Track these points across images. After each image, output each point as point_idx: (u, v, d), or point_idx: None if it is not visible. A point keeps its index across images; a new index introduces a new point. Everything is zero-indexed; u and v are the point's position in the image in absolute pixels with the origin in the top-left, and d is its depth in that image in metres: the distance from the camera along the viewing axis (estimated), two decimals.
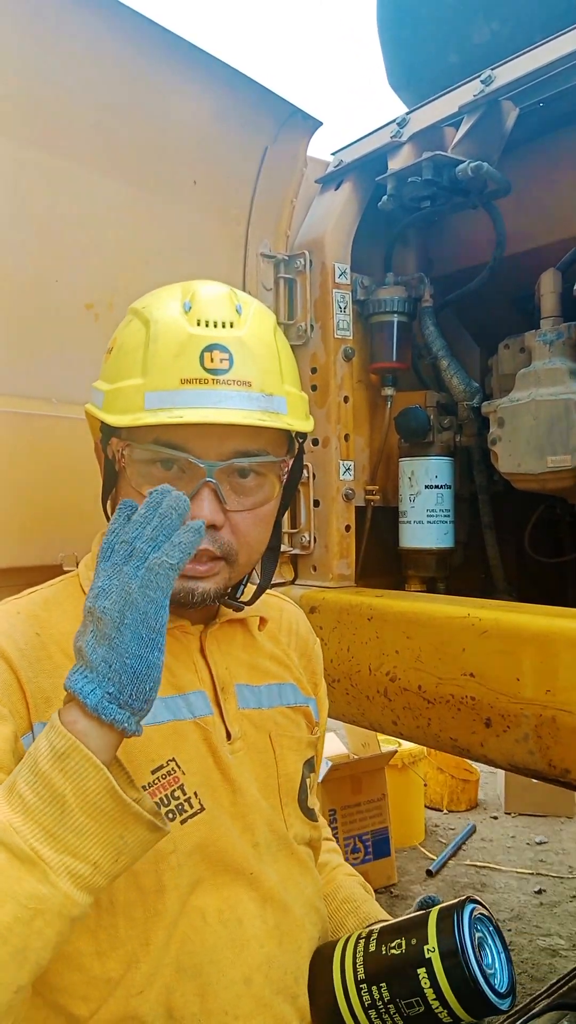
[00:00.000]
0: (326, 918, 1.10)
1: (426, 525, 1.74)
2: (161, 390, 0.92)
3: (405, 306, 1.81)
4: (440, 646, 1.41)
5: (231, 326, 0.95)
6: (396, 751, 3.90)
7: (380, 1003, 0.92)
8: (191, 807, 0.95)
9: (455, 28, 1.84)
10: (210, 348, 0.93)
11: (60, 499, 1.44)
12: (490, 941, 0.95)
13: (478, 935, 0.93)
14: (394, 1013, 0.92)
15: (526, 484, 1.57)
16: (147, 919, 0.89)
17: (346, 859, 1.21)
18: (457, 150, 1.55)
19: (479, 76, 1.55)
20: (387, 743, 4.00)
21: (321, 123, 1.77)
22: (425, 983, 0.90)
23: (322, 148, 1.90)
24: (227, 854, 0.96)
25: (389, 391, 1.84)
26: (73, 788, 0.74)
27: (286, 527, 1.80)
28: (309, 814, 1.12)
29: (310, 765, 1.14)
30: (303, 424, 1.01)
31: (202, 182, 1.66)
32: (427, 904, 1.03)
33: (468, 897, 0.96)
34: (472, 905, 0.95)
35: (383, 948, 0.95)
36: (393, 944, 0.95)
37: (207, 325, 0.94)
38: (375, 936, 0.97)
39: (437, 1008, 0.89)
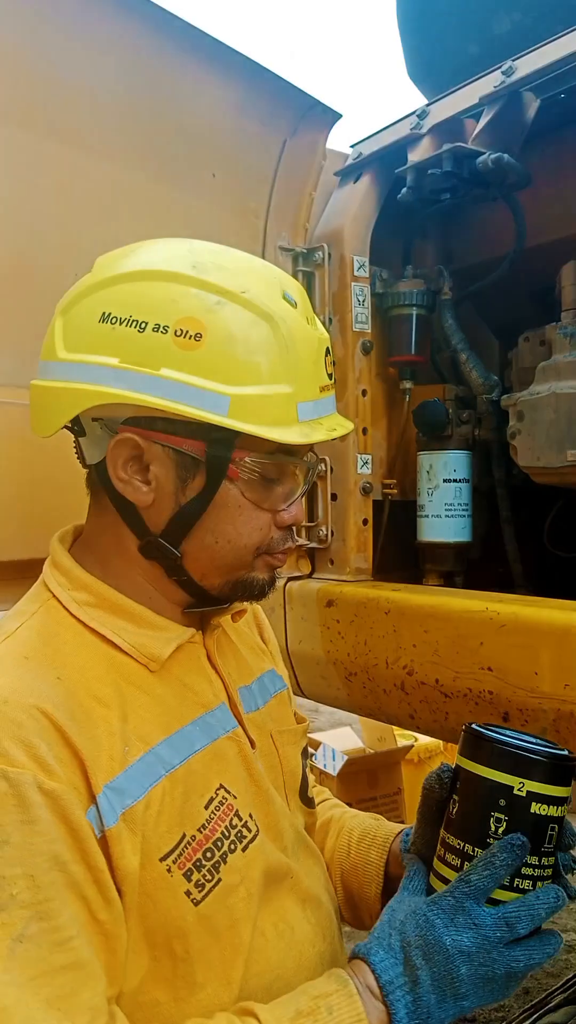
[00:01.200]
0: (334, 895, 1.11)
1: (444, 519, 1.73)
2: (310, 401, 0.87)
3: (424, 299, 1.80)
4: (458, 640, 1.41)
5: (316, 322, 0.93)
6: (412, 746, 3.89)
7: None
8: (249, 831, 0.92)
9: (476, 19, 1.83)
10: (328, 352, 0.91)
11: (77, 494, 1.44)
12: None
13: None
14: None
15: (546, 478, 1.56)
16: (224, 958, 0.87)
17: None
18: (477, 142, 1.54)
19: (500, 67, 1.54)
20: (403, 738, 3.99)
21: (341, 115, 1.76)
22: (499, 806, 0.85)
23: (341, 140, 1.89)
24: (274, 867, 0.95)
25: (407, 384, 1.84)
26: None
27: (303, 520, 1.80)
28: (309, 803, 1.13)
29: (305, 753, 1.14)
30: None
31: (221, 175, 1.66)
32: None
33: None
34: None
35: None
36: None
37: (312, 323, 0.91)
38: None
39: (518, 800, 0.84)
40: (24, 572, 1.38)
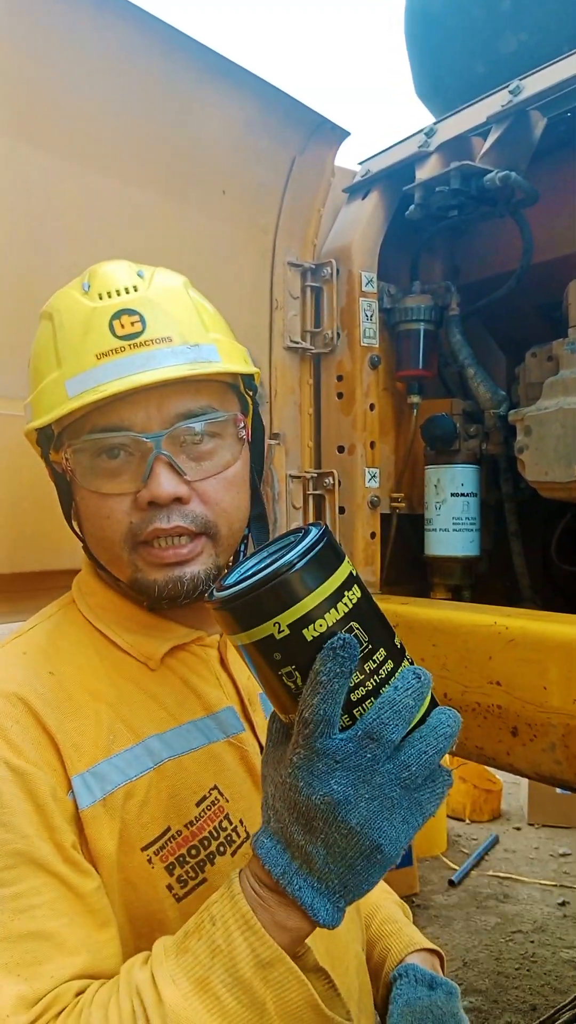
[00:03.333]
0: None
1: (452, 533, 1.74)
2: (79, 373, 0.86)
3: (432, 314, 1.82)
4: (466, 654, 1.41)
5: (135, 290, 0.89)
6: None
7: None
8: (238, 836, 0.91)
9: (482, 38, 1.85)
10: (117, 315, 0.87)
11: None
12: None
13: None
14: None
15: (553, 492, 1.57)
16: None
17: None
18: (485, 160, 1.56)
19: (507, 86, 1.56)
20: None
21: (349, 133, 1.78)
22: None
23: (349, 158, 1.91)
24: None
25: (415, 399, 1.85)
26: (275, 998, 0.68)
27: None
28: None
29: None
30: (242, 367, 0.94)
31: (231, 192, 1.68)
32: None
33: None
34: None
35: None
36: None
37: (109, 296, 0.88)
38: None
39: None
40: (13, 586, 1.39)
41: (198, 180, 1.63)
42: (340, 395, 1.80)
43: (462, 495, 1.74)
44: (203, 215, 1.65)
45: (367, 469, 1.79)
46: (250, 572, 0.69)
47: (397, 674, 0.67)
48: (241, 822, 0.92)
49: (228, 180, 1.67)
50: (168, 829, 0.86)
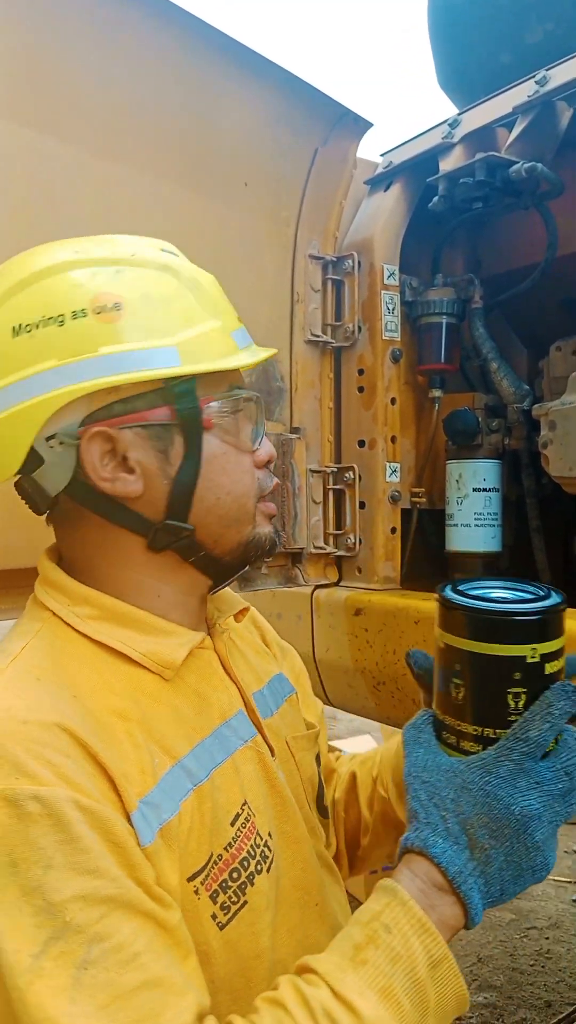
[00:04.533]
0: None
1: (473, 528, 1.73)
2: (236, 329, 0.89)
3: (454, 307, 1.80)
4: None
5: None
6: None
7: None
8: (269, 852, 0.87)
9: (507, 29, 1.83)
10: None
11: None
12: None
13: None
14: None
15: None
16: (249, 987, 0.80)
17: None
18: (510, 151, 1.54)
19: (534, 76, 1.54)
20: None
21: (372, 124, 1.77)
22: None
23: (370, 149, 1.90)
24: (299, 889, 0.91)
25: (437, 393, 1.84)
26: (437, 995, 0.69)
27: (330, 529, 1.80)
28: (324, 813, 1.07)
29: (318, 760, 1.08)
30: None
31: (253, 184, 1.67)
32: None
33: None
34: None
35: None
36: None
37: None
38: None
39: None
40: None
41: (220, 172, 1.62)
42: (361, 389, 1.79)
43: (484, 490, 1.73)
44: (225, 207, 1.64)
45: (388, 464, 1.77)
46: (498, 596, 0.78)
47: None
48: (270, 835, 0.89)
49: (250, 172, 1.66)
50: (211, 855, 0.81)
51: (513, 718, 0.74)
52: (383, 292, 1.77)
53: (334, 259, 1.82)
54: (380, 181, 1.85)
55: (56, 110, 1.36)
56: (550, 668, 0.74)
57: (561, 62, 1.51)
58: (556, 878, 3.72)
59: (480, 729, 0.75)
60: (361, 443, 1.78)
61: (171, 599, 0.90)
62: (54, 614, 0.85)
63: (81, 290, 0.81)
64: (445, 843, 0.72)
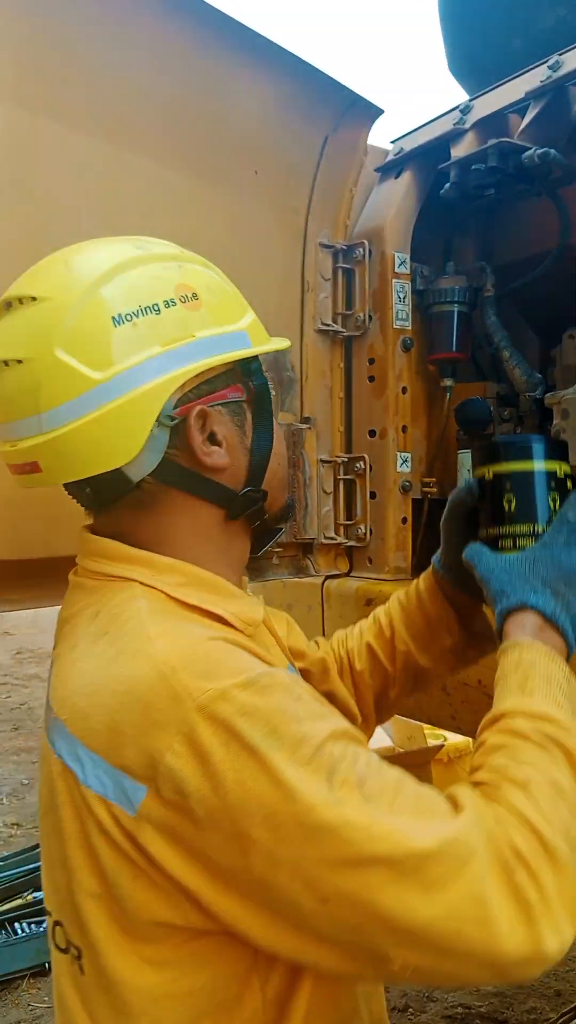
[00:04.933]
0: None
1: None
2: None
3: (466, 296, 1.79)
4: None
5: None
6: (443, 745, 3.87)
7: None
8: None
9: (519, 13, 1.81)
10: None
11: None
12: None
13: None
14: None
15: None
16: None
17: None
18: (523, 137, 1.52)
19: (546, 61, 1.52)
20: (433, 737, 3.97)
21: (382, 111, 1.75)
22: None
23: (380, 136, 1.88)
24: None
25: (448, 382, 1.82)
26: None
27: (341, 519, 1.80)
28: None
29: None
30: None
31: (263, 172, 1.66)
32: None
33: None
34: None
35: None
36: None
37: None
38: None
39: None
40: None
41: (230, 160, 1.61)
42: (372, 378, 1.78)
43: None
44: (234, 196, 1.63)
45: (399, 453, 1.77)
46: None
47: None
48: None
49: (260, 160, 1.65)
50: None
51: (553, 516, 0.98)
52: (394, 281, 1.75)
53: (345, 247, 1.81)
54: (391, 168, 1.83)
55: (64, 97, 1.35)
56: (571, 483, 1.03)
57: (574, 47, 1.50)
58: None
59: (531, 526, 0.99)
60: (372, 433, 1.78)
61: (233, 567, 0.97)
62: (142, 584, 0.86)
63: (162, 282, 0.86)
64: (537, 596, 0.88)
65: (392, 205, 1.77)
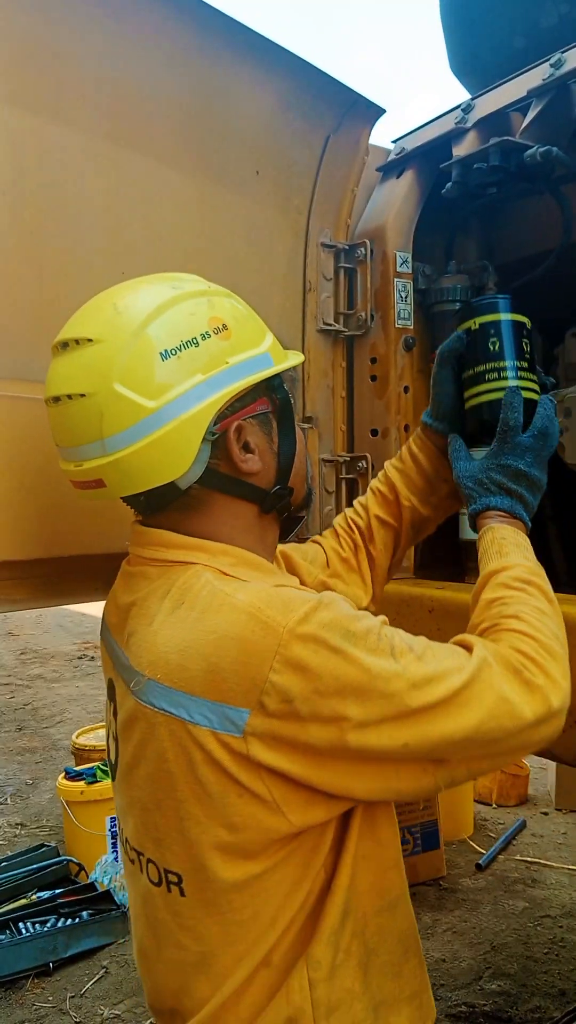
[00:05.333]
0: None
1: None
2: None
3: (468, 295, 1.79)
4: None
5: None
6: None
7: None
8: None
9: (521, 12, 1.81)
10: None
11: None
12: None
13: None
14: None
15: None
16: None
17: None
18: (525, 135, 1.53)
19: (548, 60, 1.52)
20: None
21: (384, 110, 1.75)
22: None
23: (381, 136, 1.88)
24: None
25: None
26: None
27: None
28: None
29: None
30: None
31: (264, 172, 1.66)
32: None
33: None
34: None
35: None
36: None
37: None
38: None
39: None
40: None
41: (231, 160, 1.61)
42: (374, 378, 1.78)
43: None
44: (236, 195, 1.63)
45: None
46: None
47: (542, 397, 1.25)
48: None
49: (262, 160, 1.65)
50: None
51: (527, 356, 1.27)
52: (396, 280, 1.76)
53: (346, 247, 1.81)
54: (392, 168, 1.84)
55: (66, 98, 1.35)
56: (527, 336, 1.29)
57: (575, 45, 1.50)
58: (570, 867, 3.72)
59: (515, 361, 1.25)
60: (374, 432, 1.78)
61: (268, 552, 1.13)
62: (205, 566, 1.00)
63: (197, 318, 1.00)
64: (496, 499, 1.18)
65: (394, 204, 1.77)
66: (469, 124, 1.67)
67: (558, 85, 1.49)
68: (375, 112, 1.76)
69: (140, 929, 1.06)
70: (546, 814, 4.31)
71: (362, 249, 1.77)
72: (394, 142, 1.87)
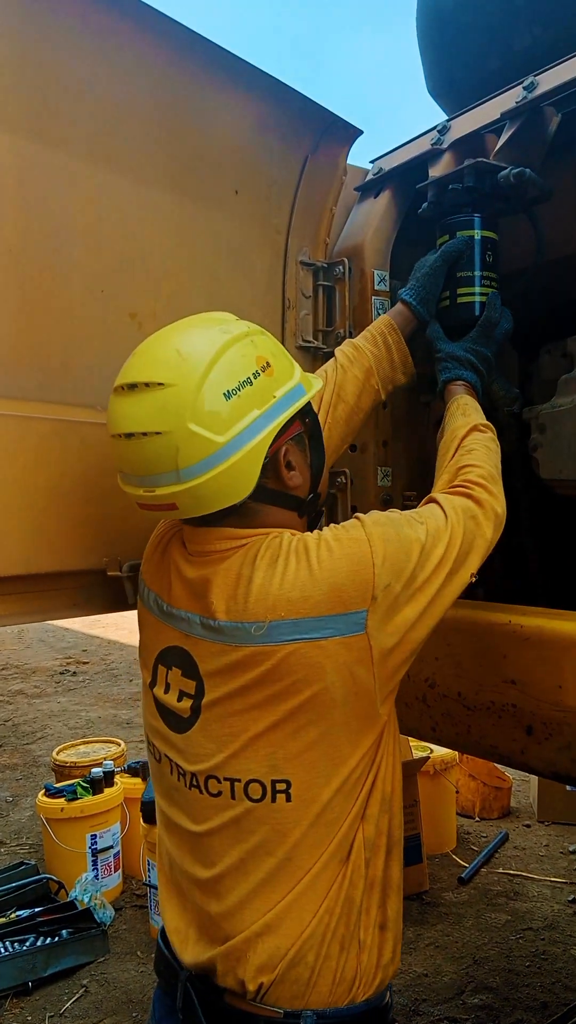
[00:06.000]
0: None
1: None
2: None
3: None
4: (481, 653, 1.41)
5: None
6: (428, 758, 3.88)
7: None
8: None
9: (496, 34, 1.84)
10: None
11: (104, 505, 1.46)
12: None
13: None
14: None
15: (567, 490, 1.56)
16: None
17: None
18: (499, 157, 1.55)
19: (521, 83, 1.55)
20: (419, 750, 3.98)
21: (361, 131, 1.78)
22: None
23: (360, 156, 1.91)
24: None
25: (427, 397, 1.84)
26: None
27: None
28: None
29: None
30: None
31: (244, 192, 1.68)
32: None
33: None
34: None
35: None
36: None
37: None
38: None
39: None
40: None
41: (211, 180, 1.62)
42: None
43: None
44: (216, 215, 1.65)
45: (380, 468, 1.78)
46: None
47: (491, 294, 1.58)
48: None
49: (241, 180, 1.67)
50: None
51: (491, 266, 1.60)
52: (374, 298, 1.78)
53: (325, 265, 1.83)
54: (370, 187, 1.86)
55: (46, 118, 1.37)
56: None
57: (549, 68, 1.52)
58: (552, 879, 3.73)
59: (497, 272, 1.60)
60: (353, 448, 1.79)
61: None
62: (278, 534, 1.19)
63: (247, 360, 1.15)
64: (467, 373, 1.54)
65: (371, 224, 1.79)
66: (445, 145, 1.69)
67: (530, 108, 1.52)
68: (353, 133, 1.78)
69: (196, 866, 1.21)
70: (528, 826, 4.32)
71: (340, 267, 1.80)
72: (372, 162, 1.90)
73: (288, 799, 1.12)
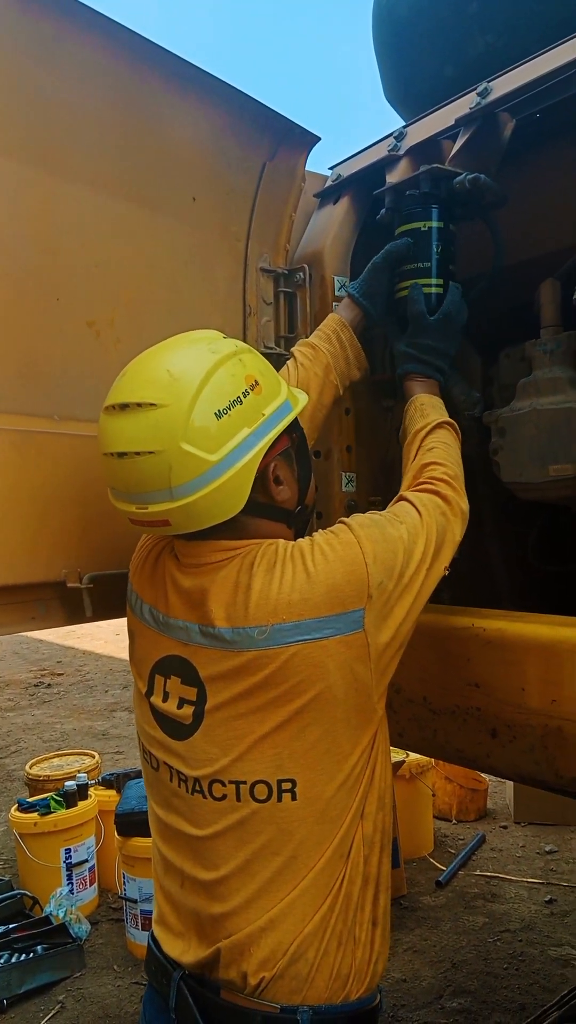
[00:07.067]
0: None
1: None
2: None
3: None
4: (445, 656, 1.41)
5: None
6: (404, 762, 3.89)
7: None
8: None
9: (451, 41, 1.85)
10: None
11: (62, 516, 1.44)
12: None
13: None
14: None
15: (528, 493, 1.57)
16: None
17: None
18: (455, 162, 1.56)
19: (475, 89, 1.56)
20: (394, 754, 3.98)
21: (319, 138, 1.78)
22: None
23: (319, 162, 1.91)
24: None
25: (389, 403, 1.85)
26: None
27: None
28: None
29: None
30: None
31: (201, 199, 1.68)
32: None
33: None
34: None
35: None
36: None
37: None
38: None
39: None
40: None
41: (168, 187, 1.62)
42: None
43: None
44: (174, 222, 1.64)
45: (344, 473, 1.78)
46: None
47: (450, 286, 1.58)
48: None
49: (198, 187, 1.67)
50: None
51: (445, 255, 1.58)
52: (334, 304, 1.78)
53: (285, 272, 1.83)
54: (329, 194, 1.86)
55: (3, 127, 1.35)
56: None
57: (502, 74, 1.54)
58: (529, 880, 3.75)
59: (440, 263, 1.58)
60: (317, 454, 1.79)
61: None
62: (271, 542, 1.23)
63: (236, 379, 1.17)
64: (415, 366, 1.56)
65: (331, 230, 1.80)
66: (402, 151, 1.70)
67: (485, 113, 1.53)
68: (310, 139, 1.79)
69: (198, 869, 1.22)
70: (505, 827, 4.33)
71: (301, 274, 1.80)
72: (331, 168, 1.90)
73: (293, 798, 1.15)
